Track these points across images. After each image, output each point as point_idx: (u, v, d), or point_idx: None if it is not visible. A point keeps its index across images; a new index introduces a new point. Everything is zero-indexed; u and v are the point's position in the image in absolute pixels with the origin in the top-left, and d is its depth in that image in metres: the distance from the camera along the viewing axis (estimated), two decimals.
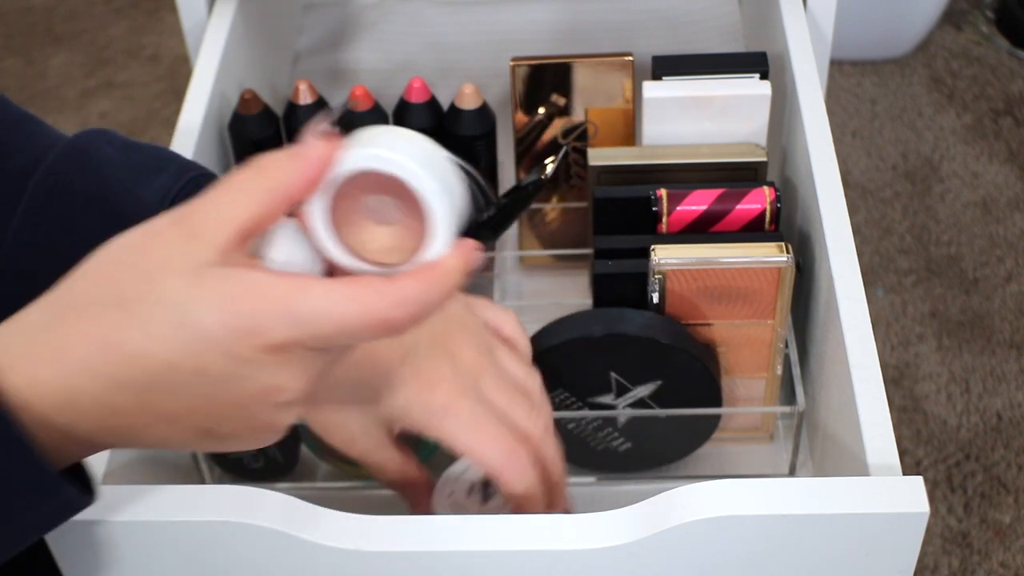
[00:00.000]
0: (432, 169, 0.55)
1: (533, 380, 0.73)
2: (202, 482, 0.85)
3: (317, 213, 0.55)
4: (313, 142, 0.55)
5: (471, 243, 0.56)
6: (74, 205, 0.70)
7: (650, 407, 0.83)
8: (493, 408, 0.69)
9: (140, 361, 0.53)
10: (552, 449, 0.71)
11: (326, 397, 0.67)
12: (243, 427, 0.57)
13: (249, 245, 0.55)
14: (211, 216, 0.54)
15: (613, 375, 0.82)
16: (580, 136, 0.96)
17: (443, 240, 0.56)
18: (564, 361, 0.81)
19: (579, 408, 0.84)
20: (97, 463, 0.71)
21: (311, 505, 0.65)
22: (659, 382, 0.82)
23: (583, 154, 0.97)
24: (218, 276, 0.53)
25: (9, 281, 0.71)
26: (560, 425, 0.84)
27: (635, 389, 0.82)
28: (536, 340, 0.81)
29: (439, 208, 0.55)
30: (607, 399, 0.83)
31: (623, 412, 0.84)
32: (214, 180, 0.72)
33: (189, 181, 0.71)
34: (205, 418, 0.56)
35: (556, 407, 0.83)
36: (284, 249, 0.56)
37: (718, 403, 0.83)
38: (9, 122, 0.74)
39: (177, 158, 0.74)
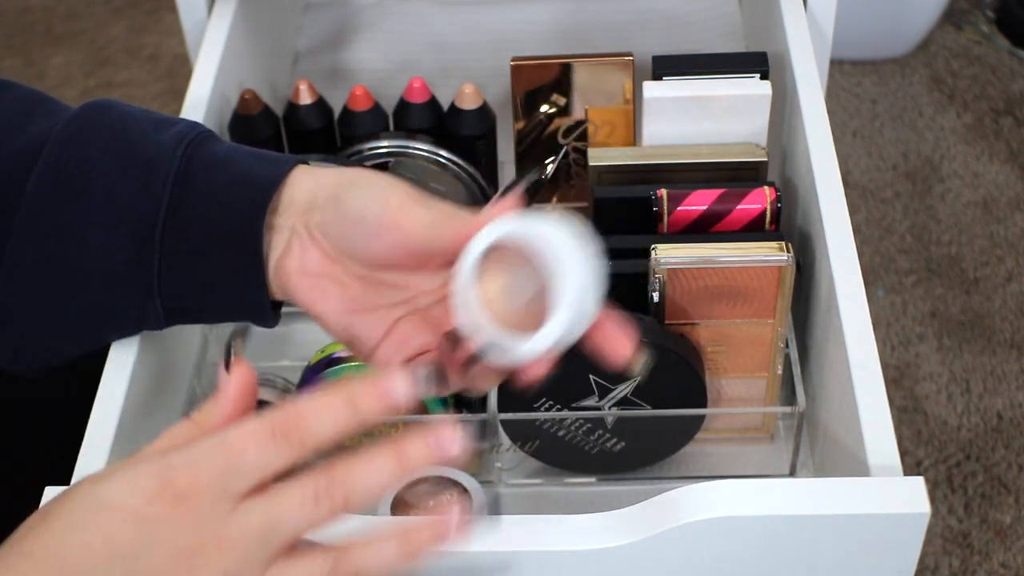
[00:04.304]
0: (572, 246, 0.58)
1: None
2: None
3: (465, 276, 0.60)
4: (229, 388, 0.58)
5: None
6: (94, 148, 0.71)
7: (636, 403, 0.83)
8: None
9: (57, 553, 0.53)
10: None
11: None
12: None
13: None
14: (142, 454, 0.57)
15: (592, 377, 0.82)
16: (580, 136, 0.96)
17: (562, 322, 0.58)
18: None
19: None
20: (96, 463, 0.71)
21: None
22: (638, 378, 0.82)
23: (583, 154, 0.97)
24: (130, 465, 0.55)
25: (31, 222, 0.71)
26: (551, 432, 0.84)
27: (616, 388, 0.82)
28: None
29: (568, 283, 0.58)
30: (591, 401, 0.83)
31: (610, 412, 0.84)
32: (219, 139, 0.74)
33: (201, 132, 0.72)
34: None
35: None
36: None
37: (701, 389, 0.83)
38: (21, 102, 0.75)
39: (190, 120, 0.75)
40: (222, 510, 0.53)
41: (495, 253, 0.60)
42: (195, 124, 0.73)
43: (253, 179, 0.69)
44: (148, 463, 0.54)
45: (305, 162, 0.72)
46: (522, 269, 0.59)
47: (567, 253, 0.58)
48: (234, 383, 0.58)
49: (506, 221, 0.60)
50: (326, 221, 0.67)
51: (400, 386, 0.55)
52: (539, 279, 0.59)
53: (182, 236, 0.70)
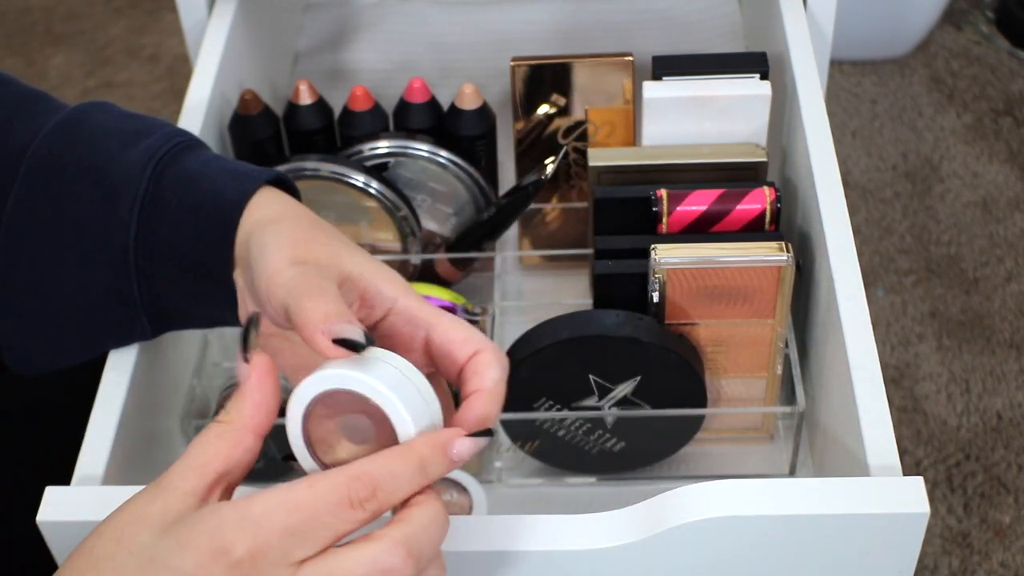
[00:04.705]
0: (400, 389, 0.55)
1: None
2: None
3: (293, 432, 0.57)
4: (251, 377, 0.56)
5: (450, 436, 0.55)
6: (66, 175, 0.71)
7: (636, 403, 0.83)
8: None
9: None
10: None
11: None
12: None
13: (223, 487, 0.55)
14: (178, 467, 0.54)
15: (591, 377, 0.82)
16: (580, 136, 0.96)
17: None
18: (541, 370, 0.81)
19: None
20: (96, 463, 0.71)
21: None
22: (638, 378, 0.82)
23: (583, 154, 0.97)
24: (185, 519, 0.52)
25: (9, 251, 0.71)
26: (551, 432, 0.84)
27: (616, 388, 0.82)
28: (512, 352, 0.82)
29: (404, 428, 0.55)
30: (591, 401, 0.83)
31: (610, 412, 0.84)
32: (203, 146, 0.73)
33: (177, 144, 0.71)
34: None
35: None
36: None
37: (701, 389, 0.83)
38: (16, 101, 0.75)
39: (170, 125, 0.73)
40: (281, 574, 0.51)
41: (328, 400, 0.57)
42: (170, 135, 0.72)
43: (221, 203, 0.68)
44: (204, 523, 0.52)
45: (280, 176, 0.70)
46: (352, 416, 0.57)
47: (387, 396, 0.55)
48: (254, 376, 0.56)
49: (315, 381, 0.56)
50: (244, 281, 0.66)
51: (466, 451, 0.55)
52: (372, 422, 0.57)
53: (155, 262, 0.70)
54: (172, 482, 0.54)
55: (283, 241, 0.62)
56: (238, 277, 0.67)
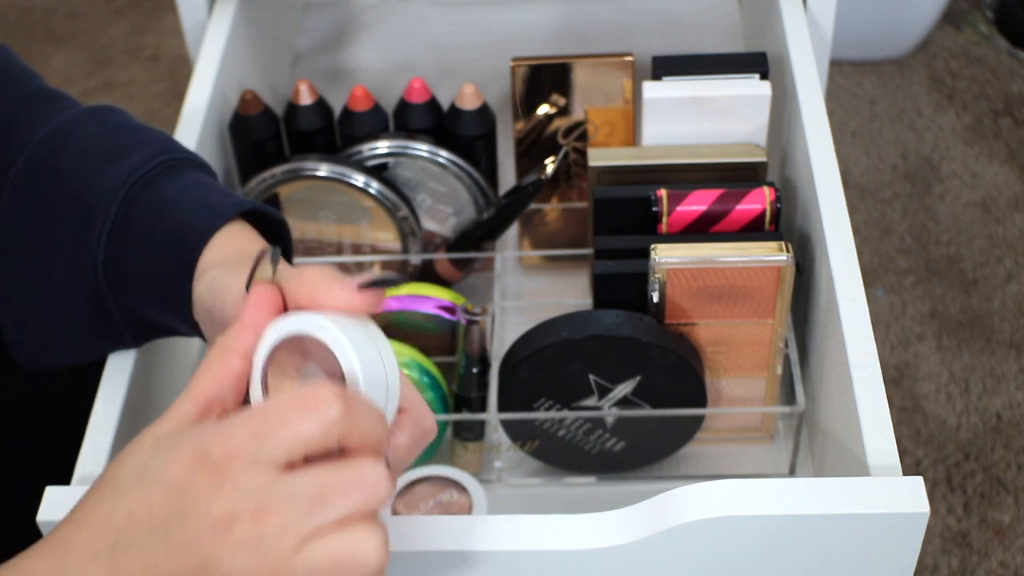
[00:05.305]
0: (360, 345, 0.55)
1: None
2: None
3: (256, 371, 0.57)
4: (250, 305, 0.57)
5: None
6: (46, 192, 0.71)
7: (636, 403, 0.83)
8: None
9: (106, 522, 0.54)
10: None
11: None
12: None
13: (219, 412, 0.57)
14: (179, 397, 0.57)
15: (592, 377, 0.82)
16: (580, 136, 0.96)
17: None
18: (541, 370, 0.81)
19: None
20: (96, 463, 0.71)
21: None
22: (638, 378, 0.82)
23: (583, 154, 0.97)
24: (173, 436, 0.55)
25: (2, 258, 0.72)
26: (551, 432, 0.84)
27: (616, 388, 0.82)
28: (512, 352, 0.82)
29: (357, 381, 0.55)
30: (591, 401, 0.83)
31: (610, 412, 0.84)
32: (189, 165, 0.72)
33: (162, 163, 0.71)
34: None
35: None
36: None
37: (701, 389, 0.83)
38: (22, 99, 0.75)
39: (160, 141, 0.73)
40: (261, 478, 0.52)
41: (295, 344, 0.57)
42: (155, 153, 0.71)
43: (186, 237, 0.68)
44: (188, 436, 0.54)
45: (257, 208, 0.70)
46: (315, 368, 0.57)
47: (344, 347, 0.55)
48: (250, 302, 0.57)
49: (288, 321, 0.57)
50: (206, 328, 0.67)
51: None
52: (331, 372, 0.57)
53: (124, 285, 0.70)
54: (170, 409, 0.57)
55: (241, 271, 0.62)
56: (199, 318, 0.67)
